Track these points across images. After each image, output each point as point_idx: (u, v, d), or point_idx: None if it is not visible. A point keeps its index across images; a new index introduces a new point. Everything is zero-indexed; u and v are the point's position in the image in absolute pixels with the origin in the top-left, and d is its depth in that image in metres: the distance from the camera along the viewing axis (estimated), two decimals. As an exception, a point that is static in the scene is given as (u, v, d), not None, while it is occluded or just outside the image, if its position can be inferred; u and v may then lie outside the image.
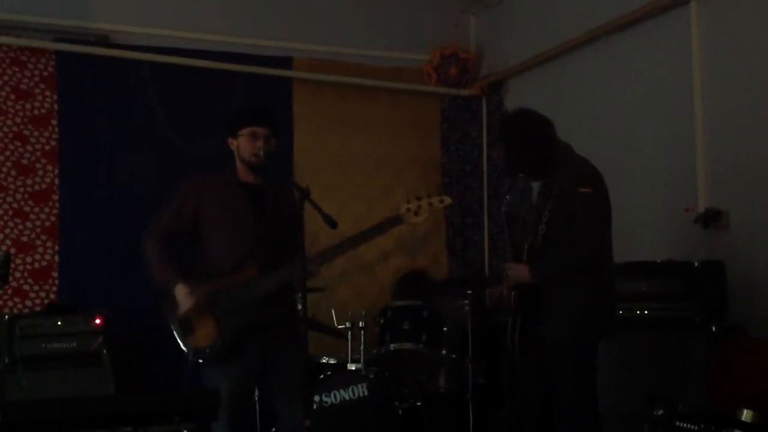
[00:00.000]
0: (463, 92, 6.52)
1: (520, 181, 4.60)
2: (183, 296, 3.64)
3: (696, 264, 4.18)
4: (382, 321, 5.07)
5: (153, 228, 3.75)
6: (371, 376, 4.71)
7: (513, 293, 3.83)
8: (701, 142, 4.62)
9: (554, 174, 3.76)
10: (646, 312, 4.25)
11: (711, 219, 4.49)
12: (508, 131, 3.92)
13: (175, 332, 3.72)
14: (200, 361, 3.66)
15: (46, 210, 5.38)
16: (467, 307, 4.91)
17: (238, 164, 3.81)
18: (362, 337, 4.96)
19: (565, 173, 3.72)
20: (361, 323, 4.98)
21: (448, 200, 3.77)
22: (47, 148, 5.41)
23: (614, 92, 5.26)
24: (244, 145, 3.75)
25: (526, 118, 3.86)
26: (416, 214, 3.68)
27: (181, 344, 3.69)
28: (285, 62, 6.10)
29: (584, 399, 3.69)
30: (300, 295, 3.48)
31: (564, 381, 3.70)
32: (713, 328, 4.02)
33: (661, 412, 3.52)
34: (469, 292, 4.93)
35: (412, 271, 5.97)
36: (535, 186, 4.06)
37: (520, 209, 4.59)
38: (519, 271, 3.77)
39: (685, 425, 3.40)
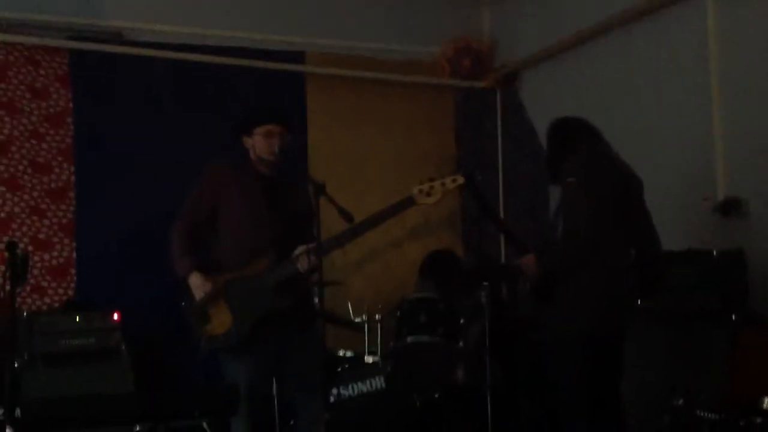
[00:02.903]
0: (477, 85, 6.49)
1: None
2: (198, 285, 3.66)
3: (715, 253, 4.14)
4: (398, 314, 5.06)
5: (178, 219, 3.77)
6: (388, 368, 4.71)
7: (527, 286, 3.89)
8: (719, 131, 4.58)
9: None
10: (665, 302, 4.22)
11: (730, 207, 4.46)
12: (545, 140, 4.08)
13: (192, 324, 3.73)
14: (215, 349, 3.66)
15: (63, 207, 5.40)
16: (484, 300, 4.89)
17: (254, 160, 3.81)
18: (379, 330, 4.96)
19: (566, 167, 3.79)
20: (377, 316, 4.98)
21: (461, 180, 3.64)
22: (63, 146, 5.43)
23: (630, 82, 5.22)
24: (260, 144, 3.75)
25: (550, 127, 4.01)
26: (428, 195, 3.60)
27: (195, 333, 3.70)
28: (297, 57, 6.09)
29: (576, 395, 3.64)
30: (316, 288, 3.48)
31: (555, 375, 3.73)
32: (733, 318, 3.99)
33: (681, 401, 3.50)
34: (486, 284, 4.91)
35: (439, 250, 5.93)
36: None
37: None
38: (528, 263, 3.82)
39: (705, 414, 3.38)
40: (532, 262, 3.79)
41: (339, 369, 4.78)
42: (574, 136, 3.90)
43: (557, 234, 3.83)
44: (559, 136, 3.98)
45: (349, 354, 5.03)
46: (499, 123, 6.51)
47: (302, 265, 3.56)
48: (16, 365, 4.48)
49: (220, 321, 3.67)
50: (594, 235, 3.60)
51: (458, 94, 6.62)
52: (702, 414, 3.36)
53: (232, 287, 3.67)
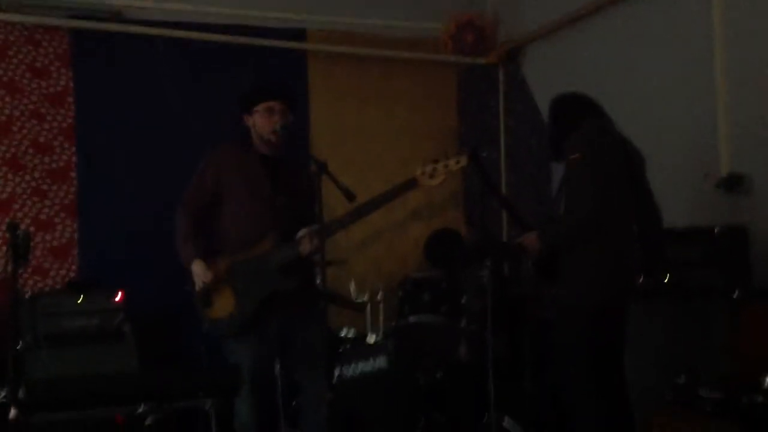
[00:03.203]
0: (480, 60, 6.45)
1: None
2: (200, 272, 3.67)
3: (718, 230, 4.12)
4: (401, 293, 5.07)
5: (181, 203, 3.77)
6: (391, 348, 4.72)
7: (531, 263, 3.91)
8: (723, 106, 4.55)
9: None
10: (667, 279, 4.22)
11: (733, 184, 4.43)
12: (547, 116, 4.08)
13: (196, 307, 3.74)
14: (219, 331, 3.67)
15: (65, 188, 5.40)
16: (486, 278, 4.88)
17: (255, 139, 3.80)
18: (381, 310, 4.97)
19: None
20: (380, 295, 4.99)
21: (464, 161, 3.63)
22: (64, 125, 5.42)
23: (634, 57, 5.18)
24: (261, 121, 3.73)
25: (552, 103, 4.01)
26: (431, 176, 3.59)
27: (200, 315, 3.71)
28: (299, 35, 6.05)
29: (581, 371, 3.65)
30: (319, 268, 3.47)
31: (560, 349, 3.75)
32: (736, 295, 3.98)
33: (683, 379, 3.50)
34: (488, 261, 4.90)
35: (442, 230, 5.92)
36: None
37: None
38: (530, 240, 3.83)
39: (708, 393, 3.38)
40: (535, 240, 3.80)
41: (341, 349, 4.79)
42: (577, 112, 3.90)
43: (559, 211, 3.84)
44: (561, 112, 3.97)
45: (351, 334, 5.04)
46: (501, 99, 6.47)
47: (305, 247, 3.55)
48: (19, 346, 4.51)
49: (223, 304, 3.68)
50: (598, 211, 3.61)
51: (461, 71, 6.58)
52: (704, 392, 3.36)
53: (235, 270, 3.67)
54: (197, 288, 3.67)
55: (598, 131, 3.80)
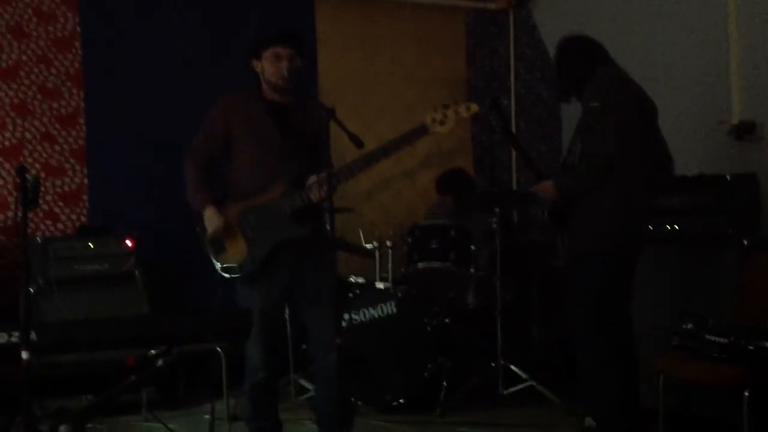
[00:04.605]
0: (490, 6, 6.37)
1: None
2: (212, 218, 3.67)
3: (728, 177, 4.11)
4: (409, 240, 5.08)
5: (191, 151, 3.75)
6: (399, 294, 4.75)
7: (546, 212, 3.92)
8: (735, 53, 4.50)
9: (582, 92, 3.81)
10: (677, 226, 4.21)
11: (745, 131, 4.41)
12: (555, 56, 4.03)
13: (208, 252, 3.75)
14: (231, 276, 3.69)
15: (74, 133, 5.39)
16: (495, 225, 4.89)
17: (264, 85, 3.77)
18: (390, 256, 4.98)
19: (585, 90, 3.76)
20: (388, 242, 5.00)
21: (475, 108, 3.56)
22: (71, 71, 5.39)
23: (646, 3, 5.12)
24: (268, 67, 3.69)
25: (563, 43, 3.96)
26: (442, 123, 3.53)
27: (213, 262, 3.72)
28: (307, -20, 5.99)
29: (590, 313, 3.68)
30: (328, 215, 3.47)
31: (576, 292, 3.76)
32: (745, 242, 3.98)
33: (690, 325, 3.51)
34: (497, 209, 4.90)
35: (452, 168, 5.92)
36: None
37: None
38: (546, 188, 3.83)
39: (714, 338, 3.40)
40: (552, 188, 3.80)
41: (350, 295, 4.82)
42: (589, 56, 3.86)
43: (572, 157, 3.83)
44: (572, 54, 3.92)
45: (360, 280, 5.07)
46: (512, 45, 6.40)
47: (315, 194, 3.55)
48: (31, 290, 4.55)
49: (235, 250, 3.69)
50: (616, 159, 3.63)
51: (470, 16, 6.51)
52: (710, 338, 3.38)
53: (245, 216, 3.67)
54: (208, 234, 3.68)
55: (615, 79, 3.79)
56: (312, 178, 3.57)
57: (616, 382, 3.66)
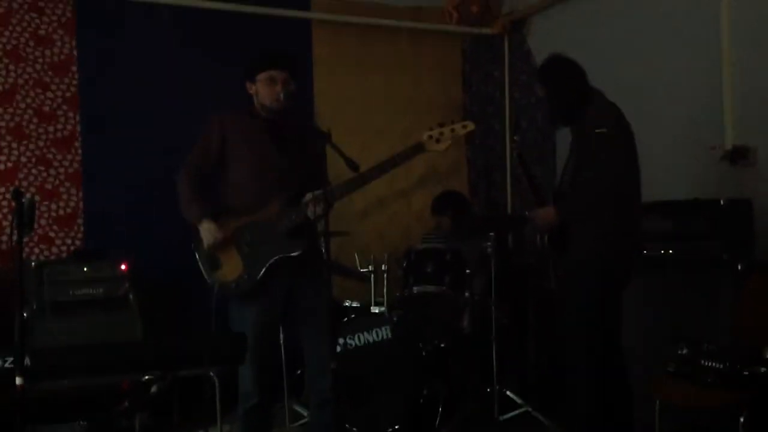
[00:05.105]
0: (485, 31, 6.41)
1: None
2: (208, 232, 3.66)
3: (722, 202, 4.12)
4: (405, 264, 5.08)
5: (184, 166, 3.75)
6: (395, 318, 4.73)
7: (545, 237, 4.00)
8: (728, 78, 4.53)
9: (581, 118, 3.87)
10: (671, 251, 4.22)
11: (738, 156, 4.43)
12: (540, 79, 4.07)
13: (202, 268, 3.74)
14: (225, 295, 3.68)
15: (69, 157, 5.39)
16: (490, 249, 4.89)
17: (258, 107, 3.78)
18: (385, 280, 4.97)
19: (586, 115, 3.82)
20: (383, 266, 4.99)
21: (471, 126, 3.60)
22: (68, 94, 5.40)
23: (639, 27, 5.15)
24: (263, 90, 3.71)
25: (552, 65, 4.00)
26: (438, 141, 3.56)
27: (206, 278, 3.71)
28: (303, 3, 6.02)
29: (587, 331, 3.75)
30: (323, 238, 3.47)
31: (570, 306, 3.82)
32: (739, 267, 3.98)
33: (686, 350, 3.51)
34: (492, 233, 4.91)
35: (448, 190, 5.92)
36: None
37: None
38: (545, 214, 3.83)
39: (710, 364, 3.39)
40: (552, 213, 3.82)
41: (345, 319, 4.80)
42: (582, 80, 3.91)
43: (565, 185, 3.87)
44: (565, 78, 3.94)
45: (355, 304, 5.06)
46: (506, 70, 6.44)
47: (311, 211, 3.55)
48: (25, 314, 4.53)
49: (231, 267, 3.68)
50: (621, 184, 3.74)
51: (466, 41, 6.54)
52: (706, 363, 3.37)
53: (242, 233, 3.66)
54: (206, 244, 3.66)
55: (613, 105, 3.87)
56: (308, 195, 3.57)
57: (598, 404, 3.72)
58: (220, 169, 3.76)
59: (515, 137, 4.35)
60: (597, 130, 3.73)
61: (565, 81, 3.94)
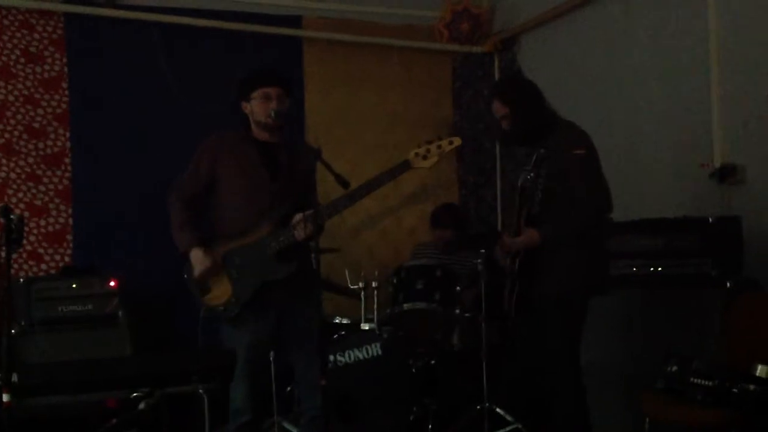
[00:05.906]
0: (476, 49, 6.44)
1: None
2: (198, 260, 3.66)
3: (711, 220, 4.14)
4: (395, 281, 5.08)
5: (175, 190, 3.75)
6: (385, 335, 4.73)
7: (515, 259, 3.92)
8: (717, 96, 4.55)
9: (546, 139, 3.84)
10: (660, 269, 4.23)
11: (727, 174, 4.45)
12: (503, 97, 4.00)
13: (192, 293, 3.74)
14: (215, 319, 3.68)
15: (59, 173, 5.38)
16: (481, 266, 4.89)
17: (253, 126, 3.79)
18: (375, 297, 4.97)
19: (556, 137, 3.83)
20: (374, 283, 4.99)
21: (457, 141, 3.64)
22: (58, 111, 5.40)
23: (629, 47, 5.18)
24: (258, 107, 3.72)
25: (515, 85, 4.10)
26: (425, 158, 3.58)
27: (195, 302, 3.71)
28: (294, 21, 6.04)
29: (571, 353, 3.82)
30: (314, 255, 3.48)
31: (553, 336, 3.83)
32: (729, 285, 4.00)
33: (675, 368, 3.52)
34: (483, 250, 4.91)
35: (448, 203, 5.92)
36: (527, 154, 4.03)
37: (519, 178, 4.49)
38: (528, 237, 3.83)
39: (699, 381, 3.40)
40: (536, 236, 3.80)
41: (336, 336, 4.80)
42: (544, 102, 3.94)
43: (535, 201, 3.81)
44: (530, 99, 3.95)
45: (345, 321, 5.05)
46: (497, 88, 6.46)
47: (299, 232, 3.55)
48: (13, 331, 4.50)
49: (220, 291, 3.68)
50: (608, 205, 3.81)
51: (456, 59, 6.57)
52: (695, 381, 3.38)
53: (231, 257, 3.66)
54: (196, 274, 3.67)
55: (575, 124, 3.92)
56: (297, 217, 3.57)
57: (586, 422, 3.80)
58: (212, 192, 3.76)
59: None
60: (576, 151, 3.75)
61: (534, 101, 3.96)
